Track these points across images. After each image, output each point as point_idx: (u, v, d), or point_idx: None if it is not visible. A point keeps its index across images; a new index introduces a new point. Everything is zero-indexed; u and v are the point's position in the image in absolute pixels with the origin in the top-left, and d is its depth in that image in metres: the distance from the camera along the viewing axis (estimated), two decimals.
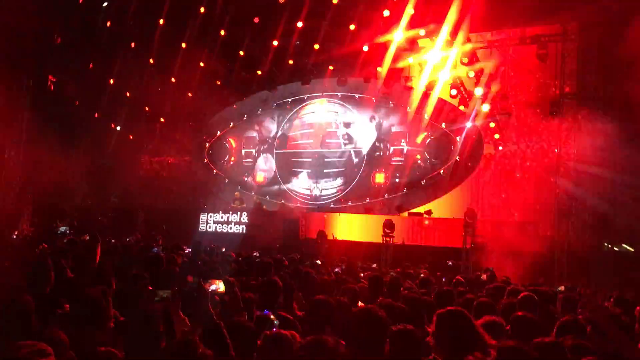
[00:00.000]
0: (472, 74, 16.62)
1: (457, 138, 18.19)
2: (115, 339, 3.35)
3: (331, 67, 19.80)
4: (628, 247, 15.55)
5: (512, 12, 15.00)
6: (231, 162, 22.84)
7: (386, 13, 15.98)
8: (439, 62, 17.02)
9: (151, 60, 20.36)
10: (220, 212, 18.43)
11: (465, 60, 16.53)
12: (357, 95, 20.48)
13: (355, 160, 20.42)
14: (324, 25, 17.72)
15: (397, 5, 15.70)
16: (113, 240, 12.29)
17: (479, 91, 16.59)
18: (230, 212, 18.23)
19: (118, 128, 21.90)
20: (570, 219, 16.01)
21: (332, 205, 19.98)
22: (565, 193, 16.13)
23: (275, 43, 18.73)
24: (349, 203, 19.93)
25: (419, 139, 19.29)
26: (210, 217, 18.36)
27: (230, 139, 22.91)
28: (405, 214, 17.72)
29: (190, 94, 21.43)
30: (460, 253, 14.72)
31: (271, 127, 22.22)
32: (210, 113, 22.66)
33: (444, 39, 16.13)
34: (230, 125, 22.77)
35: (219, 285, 3.77)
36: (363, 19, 16.90)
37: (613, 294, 7.50)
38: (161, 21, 18.68)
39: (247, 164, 22.48)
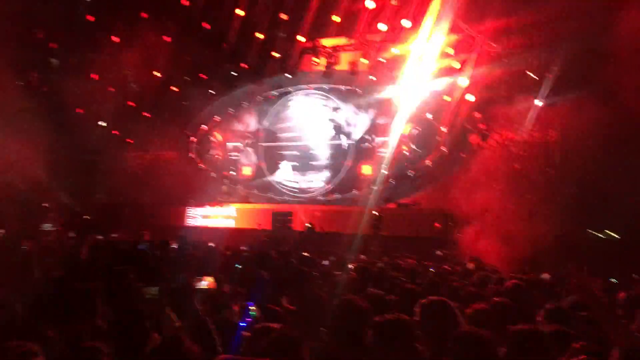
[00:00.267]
0: (457, 65, 16.66)
1: (443, 128, 18.25)
2: (104, 335, 3.34)
3: (317, 59, 19.75)
4: (612, 234, 15.73)
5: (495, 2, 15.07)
6: (217, 156, 22.76)
7: (371, 5, 15.96)
8: (423, 52, 17.03)
9: (134, 55, 20.16)
10: (208, 206, 18.38)
11: (450, 50, 16.57)
12: (343, 87, 20.47)
13: (342, 152, 20.44)
14: (309, 17, 17.66)
15: None
16: (100, 237, 12.20)
17: (463, 81, 16.64)
18: (218, 206, 18.19)
19: (102, 124, 21.70)
20: (556, 207, 16.14)
21: (319, 198, 19.99)
22: (549, 180, 16.24)
23: (259, 35, 18.64)
24: (337, 195, 19.96)
25: (405, 130, 19.32)
26: (197, 211, 18.30)
27: (215, 133, 22.81)
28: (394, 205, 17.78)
29: (175, 88, 21.29)
30: (447, 243, 14.81)
31: (257, 120, 22.16)
32: (195, 107, 22.53)
33: (428, 29, 16.15)
34: (216, 119, 22.67)
35: (208, 281, 3.77)
36: (348, 11, 16.87)
37: (597, 280, 7.60)
38: (143, 14, 18.52)
39: (234, 157, 22.42)
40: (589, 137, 14.67)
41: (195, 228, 17.62)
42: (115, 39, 19.67)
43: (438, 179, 18.18)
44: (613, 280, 8.13)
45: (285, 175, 21.20)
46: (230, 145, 22.55)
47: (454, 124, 17.89)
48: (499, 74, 17.28)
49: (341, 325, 2.81)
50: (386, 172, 19.47)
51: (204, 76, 21.11)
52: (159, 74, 20.66)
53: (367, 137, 20.07)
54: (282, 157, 21.34)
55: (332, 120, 20.77)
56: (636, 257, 11.92)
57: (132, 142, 23.02)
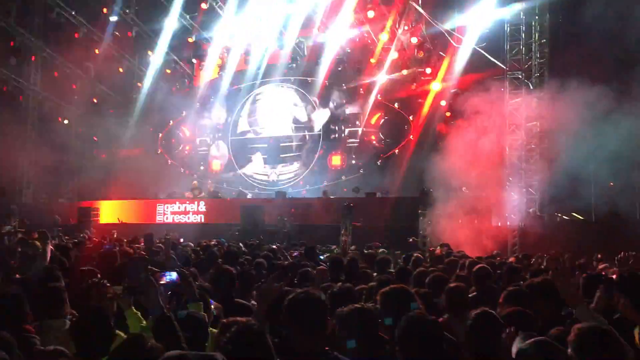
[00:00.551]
0: (421, 54, 16.79)
1: (410, 117, 18.39)
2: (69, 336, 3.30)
3: (282, 51, 19.68)
4: (577, 216, 16.09)
5: None
6: (186, 152, 22.55)
7: None
8: (388, 42, 17.12)
9: (96, 51, 19.84)
10: (178, 202, 18.20)
11: (415, 40, 16.68)
12: (309, 79, 20.44)
13: (311, 143, 20.45)
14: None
15: None
16: (67, 237, 12.00)
17: (429, 70, 16.78)
18: (188, 202, 18.02)
19: (66, 122, 21.33)
20: (522, 191, 16.44)
21: (290, 190, 19.97)
22: (515, 166, 16.53)
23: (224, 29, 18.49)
24: (307, 187, 19.98)
25: (373, 120, 19.44)
26: (167, 207, 18.11)
27: (183, 128, 22.59)
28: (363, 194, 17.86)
29: (139, 84, 21.01)
30: (418, 230, 14.95)
31: (224, 114, 22.00)
32: (160, 102, 22.23)
33: (393, 19, 16.24)
34: (183, 114, 22.42)
35: (172, 277, 3.74)
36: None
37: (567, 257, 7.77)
38: (105, 10, 18.22)
39: (202, 152, 22.24)
40: (556, 122, 14.97)
41: (165, 224, 17.42)
42: (75, 35, 19.28)
43: (406, 167, 18.31)
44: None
45: (255, 168, 21.13)
46: (198, 140, 22.35)
47: (421, 113, 18.04)
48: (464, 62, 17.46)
49: (300, 318, 2.82)
50: (355, 162, 19.58)
51: (169, 71, 20.87)
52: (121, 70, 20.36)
53: (335, 127, 20.11)
54: (251, 151, 21.25)
55: (300, 112, 20.75)
56: (603, 239, 12.24)
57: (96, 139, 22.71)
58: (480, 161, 17.09)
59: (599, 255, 9.16)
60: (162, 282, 3.59)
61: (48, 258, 5.54)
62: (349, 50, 18.78)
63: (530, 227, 15.08)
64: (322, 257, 8.62)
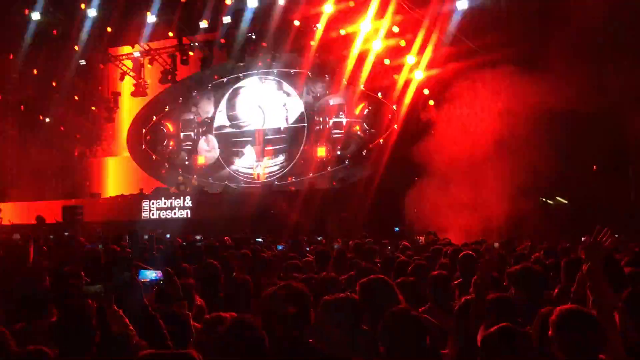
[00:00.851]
0: (403, 43, 16.78)
1: (394, 107, 18.41)
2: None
3: (264, 44, 19.55)
4: (562, 200, 16.22)
5: None
6: (170, 147, 22.41)
7: None
8: (371, 31, 17.09)
9: (76, 47, 19.61)
10: (163, 197, 18.12)
11: (396, 29, 16.67)
12: (292, 71, 20.39)
13: (296, 136, 20.41)
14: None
15: None
16: (52, 237, 11.90)
17: (411, 59, 16.78)
18: (173, 198, 17.95)
19: (47, 120, 21.12)
20: (505, 176, 16.54)
21: (276, 183, 19.95)
22: (498, 151, 16.62)
23: (204, 23, 18.33)
24: (293, 179, 19.96)
25: (357, 110, 19.45)
26: (153, 203, 18.03)
27: (166, 123, 22.44)
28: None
29: (120, 80, 20.82)
30: (404, 219, 15.05)
31: (208, 108, 21.88)
32: (142, 98, 22.06)
33: (375, 8, 16.20)
34: (166, 109, 22.26)
35: (154, 274, 3.73)
36: None
37: (543, 246, 7.85)
38: (83, 5, 17.99)
39: (187, 147, 22.12)
40: (535, 109, 15.07)
41: (151, 220, 17.35)
42: (54, 32, 19.05)
43: (391, 157, 18.34)
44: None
45: (240, 161, 21.06)
46: (182, 134, 22.22)
47: (404, 102, 18.05)
48: (446, 50, 17.48)
49: (280, 312, 2.84)
50: (340, 153, 19.60)
51: (150, 66, 20.67)
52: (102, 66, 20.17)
53: (319, 119, 20.09)
54: (236, 144, 21.18)
55: (284, 104, 20.69)
56: (586, 221, 12.37)
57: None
58: (466, 147, 17.19)
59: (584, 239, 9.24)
60: (144, 280, 3.58)
61: (31, 259, 5.50)
62: (331, 40, 18.71)
63: (516, 213, 15.18)
64: (307, 249, 8.64)
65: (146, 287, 3.55)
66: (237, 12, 17.96)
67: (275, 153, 20.68)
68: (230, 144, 21.27)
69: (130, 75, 21.09)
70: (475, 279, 3.74)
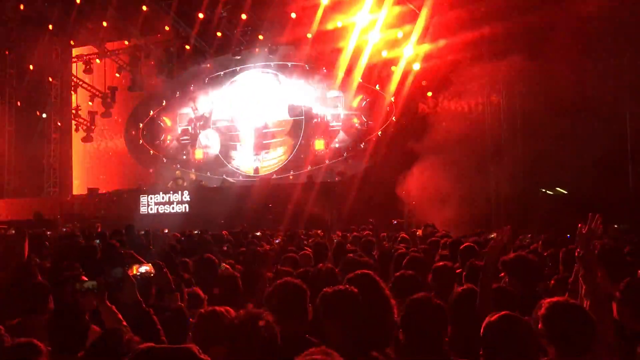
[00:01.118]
0: (400, 35, 16.72)
1: (392, 99, 18.36)
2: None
3: (261, 37, 19.48)
4: (561, 190, 16.19)
5: None
6: (167, 142, 22.35)
7: None
8: (368, 23, 17.03)
9: (72, 42, 19.54)
10: (161, 192, 18.09)
11: (393, 21, 16.59)
12: (289, 64, 20.31)
13: (294, 129, 20.35)
14: None
15: None
16: (49, 233, 11.87)
17: (408, 51, 16.71)
18: (172, 192, 17.92)
19: (44, 115, 21.06)
20: (503, 167, 16.54)
21: (274, 177, 19.92)
22: (496, 141, 16.62)
23: (200, 16, 18.22)
24: (291, 172, 19.93)
25: (355, 103, 19.40)
26: (151, 198, 18.00)
27: (164, 118, 22.37)
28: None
29: (117, 75, 20.75)
30: (403, 211, 15.02)
31: (206, 102, 21.81)
32: (139, 92, 21.98)
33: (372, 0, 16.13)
34: (163, 104, 22.19)
35: (146, 268, 3.70)
36: None
37: (541, 237, 7.82)
38: (78, 0, 17.89)
39: (185, 141, 22.06)
40: (535, 99, 15.04)
41: (149, 215, 17.34)
42: (49, 27, 18.94)
43: (389, 148, 18.31)
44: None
45: (238, 155, 21.02)
46: (179, 129, 22.16)
47: (402, 94, 17.99)
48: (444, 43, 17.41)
49: (282, 306, 2.83)
50: (339, 146, 19.56)
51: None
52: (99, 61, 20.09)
53: (317, 112, 20.03)
54: (233, 138, 21.12)
55: (281, 97, 20.62)
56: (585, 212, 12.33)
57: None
58: (459, 139, 17.17)
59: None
60: (135, 274, 3.55)
61: (25, 254, 5.46)
62: (328, 32, 18.64)
63: (515, 203, 15.18)
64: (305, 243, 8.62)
65: (138, 281, 3.51)
66: (234, 4, 17.87)
67: (273, 147, 20.62)
68: (228, 138, 21.21)
69: (126, 70, 21.02)
70: (482, 264, 3.70)
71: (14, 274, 4.73)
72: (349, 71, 18.49)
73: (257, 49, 20.02)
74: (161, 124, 22.37)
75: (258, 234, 9.55)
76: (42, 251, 6.60)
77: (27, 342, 2.64)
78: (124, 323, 3.17)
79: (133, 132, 22.58)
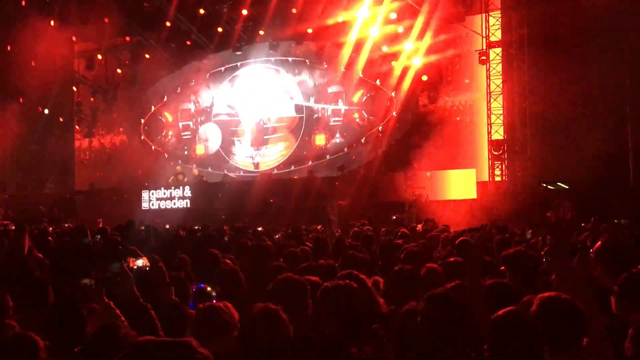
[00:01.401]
0: (401, 29, 16.71)
1: (392, 94, 18.33)
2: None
3: (262, 32, 19.45)
4: (563, 185, 16.17)
5: None
6: (169, 137, 22.35)
7: None
8: (368, 18, 17.02)
9: (74, 38, 19.54)
10: (163, 188, 18.12)
11: (394, 16, 16.60)
12: (290, 59, 20.27)
13: (295, 124, 20.33)
14: None
15: None
16: (51, 229, 11.88)
17: (409, 46, 16.70)
18: (173, 187, 17.95)
19: (46, 111, 21.05)
20: (505, 163, 16.54)
21: (275, 172, 19.91)
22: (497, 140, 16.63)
23: (201, 11, 18.23)
24: (292, 167, 19.92)
25: (355, 98, 19.37)
26: (153, 194, 18.03)
27: (165, 113, 22.35)
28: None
29: (118, 70, 20.75)
30: (403, 207, 15.02)
31: (207, 97, 21.77)
32: (141, 88, 21.97)
33: None
34: (164, 99, 22.17)
35: (142, 261, 3.70)
36: None
37: (540, 232, 7.81)
38: None
39: (186, 137, 22.05)
40: (536, 93, 15.03)
41: (151, 211, 17.36)
42: (52, 22, 18.92)
43: (390, 144, 18.31)
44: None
45: (239, 151, 21.01)
46: (181, 124, 22.14)
47: (403, 89, 17.97)
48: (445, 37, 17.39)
49: (284, 302, 2.84)
50: (339, 141, 19.55)
51: (148, 56, 20.59)
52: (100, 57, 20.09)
53: (318, 107, 20.01)
54: (235, 133, 21.11)
55: (282, 92, 20.59)
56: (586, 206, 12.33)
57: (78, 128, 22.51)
58: (463, 135, 17.16)
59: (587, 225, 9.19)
60: (131, 267, 3.56)
61: (25, 250, 5.48)
62: (329, 28, 18.62)
63: (516, 197, 15.17)
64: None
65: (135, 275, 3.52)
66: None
67: (274, 142, 20.60)
68: (229, 133, 21.19)
69: (128, 66, 21.02)
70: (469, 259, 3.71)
71: (14, 269, 4.75)
72: (350, 66, 18.47)
73: (258, 44, 19.97)
74: (162, 119, 22.35)
75: (260, 229, 9.55)
76: (45, 247, 6.60)
77: (25, 335, 2.65)
78: (122, 318, 3.19)
79: (134, 128, 22.56)
